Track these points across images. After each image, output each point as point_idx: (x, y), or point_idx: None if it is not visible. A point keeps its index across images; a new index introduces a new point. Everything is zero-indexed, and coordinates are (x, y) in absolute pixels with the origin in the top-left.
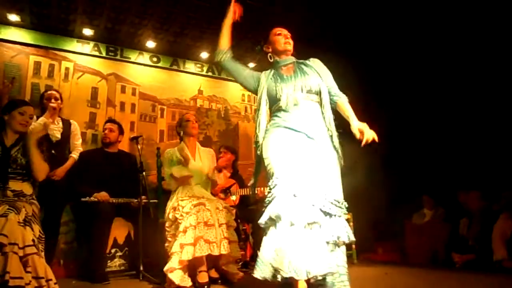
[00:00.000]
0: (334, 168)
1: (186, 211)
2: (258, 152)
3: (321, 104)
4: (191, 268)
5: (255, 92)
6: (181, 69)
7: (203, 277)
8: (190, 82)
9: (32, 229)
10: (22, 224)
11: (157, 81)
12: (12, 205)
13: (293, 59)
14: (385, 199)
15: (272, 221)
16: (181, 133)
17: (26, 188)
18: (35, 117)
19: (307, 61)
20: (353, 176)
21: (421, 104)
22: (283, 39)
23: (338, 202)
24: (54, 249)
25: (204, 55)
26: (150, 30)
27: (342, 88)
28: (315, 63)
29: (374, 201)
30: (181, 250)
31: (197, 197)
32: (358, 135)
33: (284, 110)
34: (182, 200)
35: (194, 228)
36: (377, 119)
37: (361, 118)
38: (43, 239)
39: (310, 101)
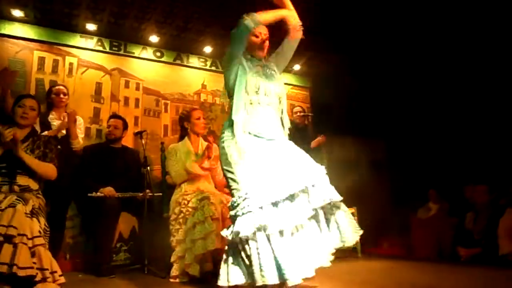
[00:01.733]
0: (299, 154)
1: (192, 206)
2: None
3: (281, 110)
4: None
5: (229, 71)
6: (185, 63)
7: (207, 268)
8: (193, 76)
9: (39, 221)
10: (29, 216)
11: (161, 75)
12: (20, 196)
13: (262, 61)
14: (390, 193)
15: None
16: (188, 129)
17: (33, 183)
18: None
19: (272, 64)
20: (358, 171)
21: (427, 98)
22: (258, 42)
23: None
24: (60, 243)
25: (208, 49)
26: (154, 24)
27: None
28: (277, 66)
29: (379, 195)
30: (193, 245)
31: (201, 191)
32: None
33: (254, 109)
34: (187, 195)
35: (203, 223)
36: (383, 113)
37: (368, 112)
38: (48, 232)
39: (270, 106)
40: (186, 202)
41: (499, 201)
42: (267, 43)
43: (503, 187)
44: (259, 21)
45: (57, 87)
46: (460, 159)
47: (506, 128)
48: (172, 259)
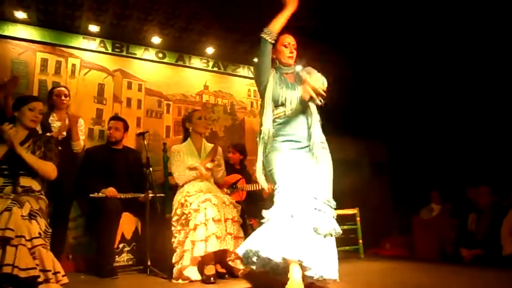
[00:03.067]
0: (326, 172)
1: (194, 208)
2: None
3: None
4: (200, 263)
5: (260, 85)
6: (187, 64)
7: (209, 270)
8: (196, 77)
9: (38, 223)
10: (26, 218)
11: (163, 77)
12: (15, 199)
13: (293, 68)
14: (393, 194)
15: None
16: (190, 129)
17: (35, 184)
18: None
19: (305, 72)
20: (360, 172)
21: (430, 99)
22: (288, 51)
23: (328, 201)
24: (63, 244)
25: (210, 50)
26: (156, 25)
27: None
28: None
29: (382, 196)
30: (193, 246)
31: (204, 193)
32: (307, 96)
33: (284, 118)
34: (189, 196)
35: (204, 225)
36: (386, 114)
37: (370, 114)
38: (49, 233)
39: (303, 112)
40: (188, 203)
41: (502, 202)
42: (295, 51)
43: (505, 188)
44: (274, 33)
45: (58, 89)
46: (462, 160)
47: (509, 129)
48: (173, 260)
